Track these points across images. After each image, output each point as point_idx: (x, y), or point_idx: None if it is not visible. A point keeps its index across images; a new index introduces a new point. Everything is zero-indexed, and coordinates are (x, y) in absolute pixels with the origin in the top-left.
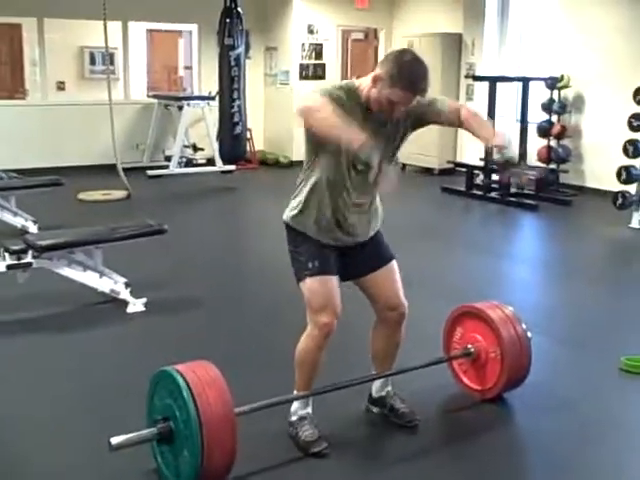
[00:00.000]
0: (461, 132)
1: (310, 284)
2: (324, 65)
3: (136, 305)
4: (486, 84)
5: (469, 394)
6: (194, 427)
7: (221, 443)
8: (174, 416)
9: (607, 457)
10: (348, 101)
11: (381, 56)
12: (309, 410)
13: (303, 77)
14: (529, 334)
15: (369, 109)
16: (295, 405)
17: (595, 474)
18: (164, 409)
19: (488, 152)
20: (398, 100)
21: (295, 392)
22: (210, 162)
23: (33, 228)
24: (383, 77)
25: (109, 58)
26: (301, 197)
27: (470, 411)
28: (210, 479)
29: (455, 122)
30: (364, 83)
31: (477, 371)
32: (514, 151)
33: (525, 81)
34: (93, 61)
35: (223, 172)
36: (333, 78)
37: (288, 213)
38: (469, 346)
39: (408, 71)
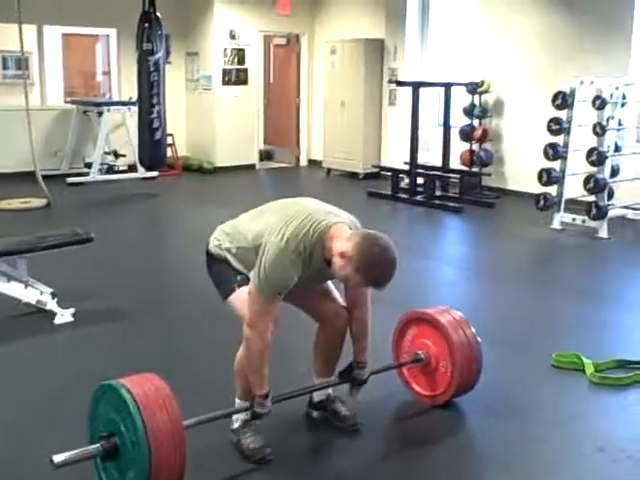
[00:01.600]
0: (385, 135)
1: (241, 293)
2: (247, 70)
3: (64, 316)
4: (409, 89)
5: (419, 401)
6: (142, 443)
7: (170, 458)
8: (119, 432)
9: (546, 453)
10: (308, 254)
11: (304, 61)
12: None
13: (226, 82)
14: (479, 338)
15: (325, 261)
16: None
17: (536, 470)
18: (108, 424)
19: (351, 366)
20: (356, 283)
21: (237, 400)
22: (132, 169)
23: None
24: (351, 259)
25: (25, 62)
26: (233, 252)
27: (419, 417)
28: None
29: (350, 305)
30: (335, 242)
31: (427, 377)
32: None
33: (447, 86)
34: (6, 66)
35: (145, 179)
36: (256, 82)
37: (215, 245)
38: (419, 352)
39: (376, 268)
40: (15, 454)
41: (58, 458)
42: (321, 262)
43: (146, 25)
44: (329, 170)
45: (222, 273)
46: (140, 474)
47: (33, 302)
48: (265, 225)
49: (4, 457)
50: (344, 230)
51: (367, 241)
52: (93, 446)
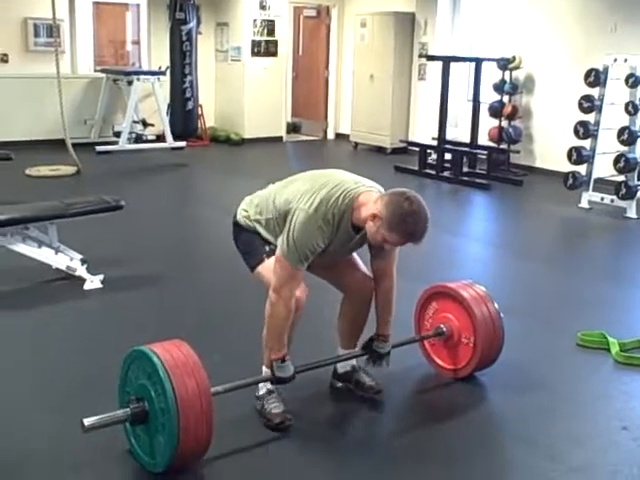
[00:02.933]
0: (413, 111)
1: (270, 262)
2: (276, 42)
3: (93, 282)
4: (439, 64)
5: (440, 374)
6: (171, 408)
7: (198, 424)
8: (149, 396)
9: (568, 429)
10: (337, 222)
11: (333, 34)
12: None
13: (255, 53)
14: (501, 314)
15: (353, 228)
16: None
17: (558, 445)
18: (138, 389)
19: (372, 339)
20: (393, 242)
21: (264, 368)
22: (160, 138)
23: None
24: (383, 219)
25: (57, 30)
26: (261, 222)
27: (441, 390)
28: (186, 460)
29: (376, 277)
30: (364, 208)
31: (449, 350)
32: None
33: (477, 61)
34: (37, 33)
35: (173, 149)
36: (285, 54)
37: (243, 215)
38: (441, 326)
39: (408, 222)
40: (46, 418)
41: (88, 422)
42: (349, 230)
43: None
44: (356, 144)
45: (250, 244)
46: (169, 439)
47: (63, 268)
48: (294, 193)
49: (35, 421)
50: (372, 196)
51: (395, 198)
52: (122, 410)
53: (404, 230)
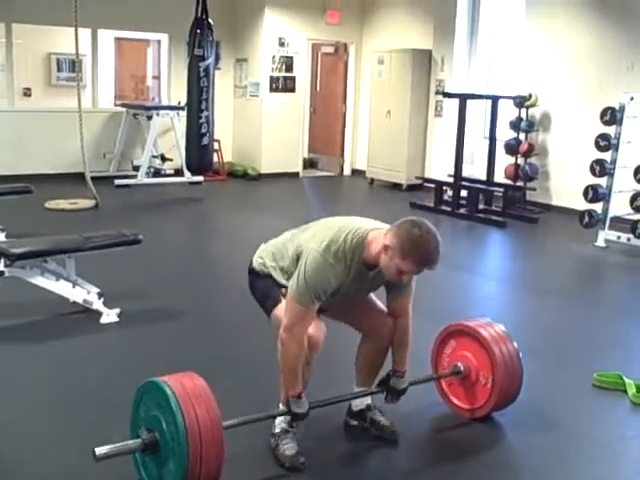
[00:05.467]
0: (429, 147)
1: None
2: (294, 78)
3: (110, 315)
4: (455, 101)
5: (457, 414)
6: (181, 439)
7: (208, 457)
8: (160, 428)
9: (586, 472)
10: (349, 260)
11: (351, 70)
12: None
13: (273, 89)
14: (520, 354)
15: (365, 266)
16: (279, 417)
17: None
18: (150, 420)
19: (389, 375)
20: (409, 271)
21: (280, 405)
22: (178, 173)
23: (1, 236)
24: (395, 248)
25: (79, 65)
26: (277, 270)
27: (457, 430)
28: None
29: (392, 314)
30: (374, 244)
31: (466, 390)
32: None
33: (494, 99)
34: (60, 68)
35: (191, 183)
36: (303, 90)
37: (259, 262)
38: (458, 364)
39: (420, 246)
40: (60, 447)
41: (100, 451)
42: (361, 268)
43: (198, 31)
44: (372, 180)
45: (267, 289)
46: (178, 468)
47: (80, 301)
48: (306, 237)
49: (50, 450)
50: (382, 232)
51: (404, 226)
52: (135, 440)
53: (417, 255)
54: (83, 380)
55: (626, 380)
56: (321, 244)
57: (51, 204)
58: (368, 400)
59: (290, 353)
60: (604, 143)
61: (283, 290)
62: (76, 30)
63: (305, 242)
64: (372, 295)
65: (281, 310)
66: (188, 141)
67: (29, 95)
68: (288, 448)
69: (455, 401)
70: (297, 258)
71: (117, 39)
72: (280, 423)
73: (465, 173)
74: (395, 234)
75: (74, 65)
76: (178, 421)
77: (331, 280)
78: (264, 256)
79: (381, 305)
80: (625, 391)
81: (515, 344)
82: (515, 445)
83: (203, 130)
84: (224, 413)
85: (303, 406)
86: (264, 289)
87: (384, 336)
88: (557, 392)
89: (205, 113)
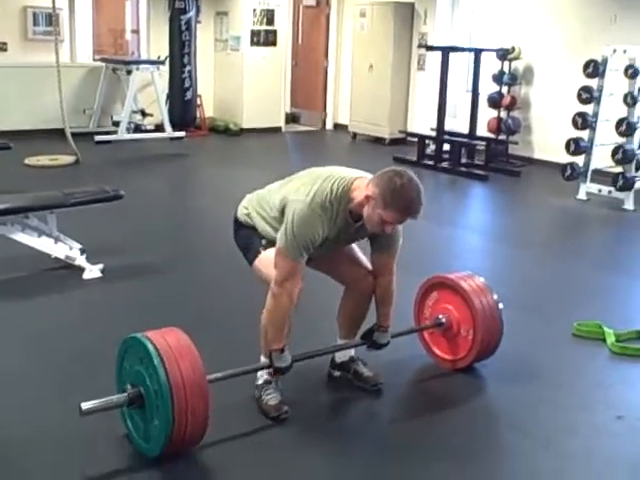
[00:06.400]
0: (412, 101)
1: (266, 255)
2: (275, 31)
3: (92, 271)
4: (438, 54)
5: (439, 365)
6: (165, 394)
7: (193, 411)
8: (144, 383)
9: (564, 419)
10: (335, 210)
11: (333, 24)
12: None
13: (254, 43)
14: (500, 305)
15: (351, 216)
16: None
17: (554, 434)
18: (134, 375)
19: (372, 330)
20: (392, 220)
21: (262, 357)
22: (159, 128)
23: None
24: (376, 198)
25: (56, 19)
26: (262, 220)
27: (439, 381)
28: (180, 445)
29: (376, 272)
30: (358, 192)
31: (448, 341)
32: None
33: (477, 52)
34: (37, 22)
35: (172, 139)
36: (284, 44)
37: (244, 213)
38: (440, 316)
39: (402, 195)
40: (46, 403)
41: (86, 406)
42: (347, 218)
43: None
44: (355, 134)
45: (249, 239)
46: (163, 423)
47: (62, 257)
48: (291, 189)
49: (35, 406)
50: (365, 182)
51: (386, 175)
52: (119, 395)
53: (399, 204)
54: (67, 336)
55: (605, 329)
56: (307, 195)
57: (31, 160)
58: (351, 352)
59: (281, 307)
60: (586, 96)
61: (263, 241)
62: None
63: (291, 194)
64: (356, 248)
65: (260, 262)
66: (171, 96)
67: (5, 50)
68: (271, 398)
69: (437, 352)
70: (282, 210)
71: None
72: (263, 374)
73: (448, 127)
74: (377, 184)
75: (51, 19)
76: (161, 377)
77: (319, 231)
78: (249, 206)
79: (364, 260)
80: (604, 340)
81: (495, 296)
82: (495, 395)
83: (186, 85)
84: (208, 367)
85: (286, 360)
86: (246, 240)
87: (364, 290)
88: (538, 342)
89: (188, 67)
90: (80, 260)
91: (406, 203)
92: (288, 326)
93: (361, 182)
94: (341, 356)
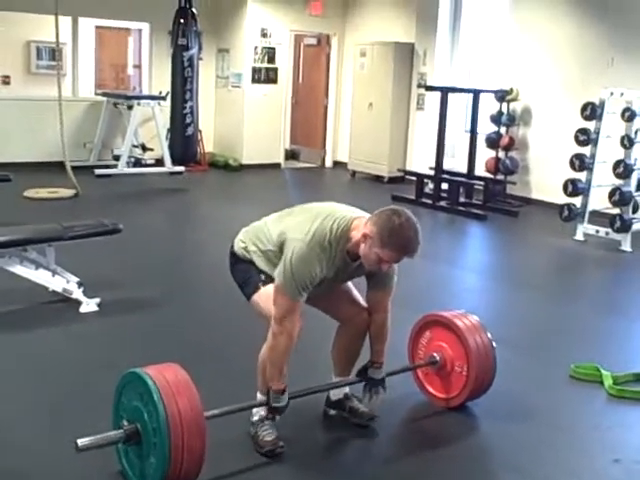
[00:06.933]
0: (411, 140)
1: (266, 291)
2: (276, 69)
3: (89, 305)
4: (437, 94)
5: (433, 403)
6: (163, 431)
7: (189, 448)
8: (142, 419)
9: (561, 460)
10: (334, 250)
11: (333, 62)
12: None
13: (255, 80)
14: (494, 344)
15: (349, 256)
16: None
17: (551, 476)
18: (132, 411)
19: (367, 367)
20: (389, 259)
21: (258, 394)
22: (159, 163)
23: None
24: (374, 237)
25: (59, 53)
26: (259, 254)
27: (433, 419)
28: None
29: (371, 308)
30: (357, 233)
31: (442, 379)
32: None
33: (476, 93)
34: (40, 56)
35: (172, 173)
36: (285, 82)
37: (241, 247)
38: (434, 354)
39: (400, 234)
40: (40, 439)
41: (82, 442)
42: (345, 258)
43: (181, 20)
44: (354, 172)
45: (246, 273)
46: (160, 459)
47: (59, 290)
48: (290, 224)
49: (29, 441)
50: (363, 222)
51: (384, 214)
52: (116, 431)
53: (397, 243)
54: (63, 370)
55: (603, 372)
56: (307, 234)
57: (30, 193)
58: (346, 389)
59: (280, 346)
60: (584, 138)
61: (262, 277)
62: (56, 18)
63: (289, 231)
64: (351, 285)
65: (260, 297)
66: (172, 131)
67: (8, 83)
68: (267, 434)
69: (431, 390)
70: (281, 245)
71: (98, 27)
72: (259, 411)
73: (446, 166)
74: (374, 223)
75: (54, 53)
76: (160, 414)
77: (317, 270)
78: (246, 240)
79: (358, 297)
80: (602, 382)
81: (489, 334)
82: (490, 434)
83: (187, 120)
84: (205, 401)
85: (283, 401)
86: (244, 274)
87: (359, 326)
88: (534, 383)
89: (189, 103)
90: (77, 293)
91: (403, 242)
92: (286, 366)
93: (360, 222)
94: (336, 394)
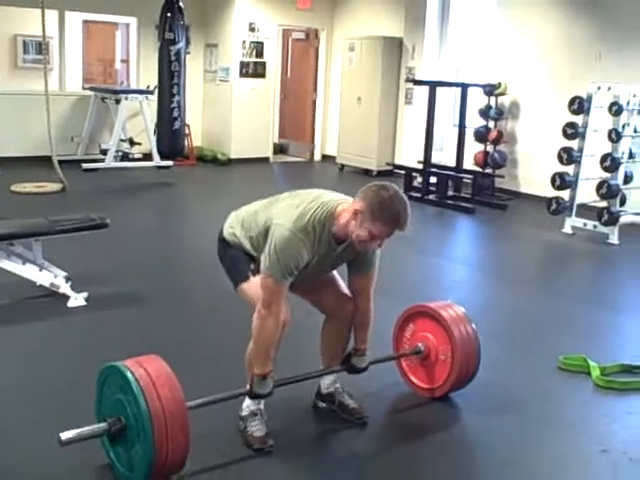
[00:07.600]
0: (399, 134)
1: (255, 280)
2: (264, 63)
3: (77, 299)
4: (426, 88)
5: (417, 393)
6: (145, 422)
7: (173, 437)
8: (124, 411)
9: (548, 451)
10: (318, 234)
11: (322, 57)
12: (261, 406)
13: (243, 74)
14: (478, 334)
15: (334, 238)
16: (247, 400)
17: (536, 468)
18: (114, 404)
19: (350, 355)
20: (379, 234)
21: (248, 386)
22: (147, 157)
23: None
24: (364, 212)
25: (46, 47)
26: (247, 239)
27: (417, 410)
28: (163, 472)
29: (354, 295)
30: (344, 215)
31: (426, 370)
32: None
33: (464, 87)
34: (27, 50)
35: (160, 167)
36: (273, 76)
37: (230, 232)
38: (419, 344)
39: (390, 207)
40: (25, 432)
41: (65, 435)
42: (330, 242)
43: (168, 14)
44: (342, 166)
45: (236, 260)
46: (145, 448)
47: (47, 285)
48: (275, 211)
49: (14, 435)
50: (348, 207)
51: (372, 189)
52: (99, 425)
53: (387, 215)
54: (49, 364)
55: (590, 363)
56: (290, 220)
57: (17, 187)
58: (337, 383)
59: (268, 328)
60: (571, 131)
61: (252, 266)
62: (43, 11)
63: (274, 216)
64: (337, 276)
65: (249, 286)
66: (160, 125)
67: None
68: (257, 430)
69: (415, 381)
70: (266, 231)
71: (85, 22)
72: (249, 405)
73: (435, 160)
74: (363, 198)
75: (41, 47)
76: (141, 404)
77: (302, 255)
78: (234, 225)
79: (345, 289)
80: (589, 374)
81: (474, 325)
82: (477, 426)
83: (175, 114)
84: (191, 395)
85: (267, 387)
86: (233, 260)
87: (345, 317)
88: (522, 375)
89: (176, 97)
90: (65, 288)
91: (394, 215)
92: (273, 353)
93: (345, 206)
94: (327, 386)
